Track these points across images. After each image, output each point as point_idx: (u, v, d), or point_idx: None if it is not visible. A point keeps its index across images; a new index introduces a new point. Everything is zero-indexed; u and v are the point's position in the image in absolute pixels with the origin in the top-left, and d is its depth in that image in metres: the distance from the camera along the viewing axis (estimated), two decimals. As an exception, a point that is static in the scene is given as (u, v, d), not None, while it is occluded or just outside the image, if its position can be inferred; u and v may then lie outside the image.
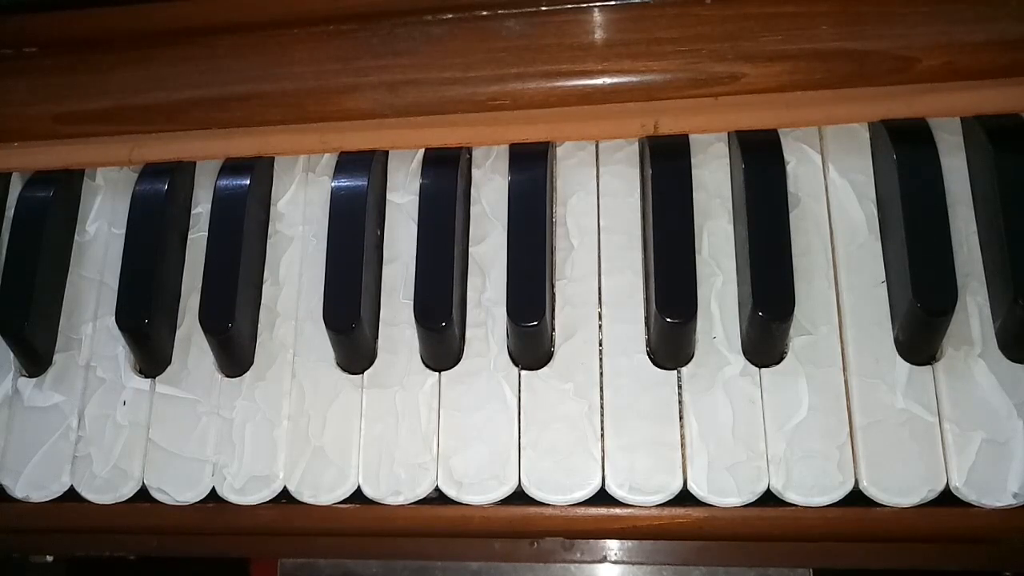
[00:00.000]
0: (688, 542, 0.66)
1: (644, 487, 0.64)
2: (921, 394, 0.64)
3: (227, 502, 0.69)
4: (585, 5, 0.71)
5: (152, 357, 0.72)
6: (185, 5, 0.75)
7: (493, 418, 0.67)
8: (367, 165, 0.73)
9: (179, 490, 0.69)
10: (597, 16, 0.71)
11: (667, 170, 0.69)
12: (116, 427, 0.71)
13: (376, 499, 0.67)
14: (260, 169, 0.76)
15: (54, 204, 0.77)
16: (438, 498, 0.67)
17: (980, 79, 0.68)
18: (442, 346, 0.69)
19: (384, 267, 0.72)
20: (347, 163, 0.74)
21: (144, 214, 0.75)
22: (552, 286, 0.69)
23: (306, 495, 0.68)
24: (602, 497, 0.65)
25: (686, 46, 0.70)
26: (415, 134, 0.74)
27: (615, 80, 0.71)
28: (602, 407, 0.66)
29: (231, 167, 0.76)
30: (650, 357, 0.67)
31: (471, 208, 0.73)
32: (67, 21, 0.77)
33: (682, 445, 0.65)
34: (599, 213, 0.71)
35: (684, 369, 0.66)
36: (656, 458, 0.65)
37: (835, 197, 0.69)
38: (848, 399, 0.64)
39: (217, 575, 0.88)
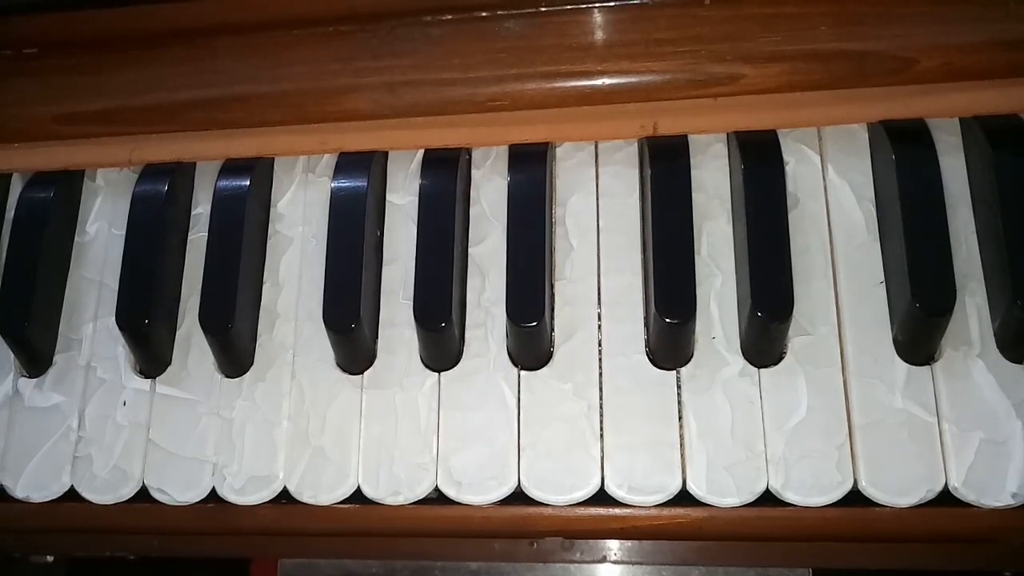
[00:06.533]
0: (687, 542, 0.66)
1: (643, 487, 0.64)
2: (920, 394, 0.64)
3: (227, 502, 0.69)
4: (584, 6, 0.71)
5: (152, 357, 0.72)
6: (185, 6, 0.75)
7: (492, 418, 0.67)
8: (367, 166, 0.73)
9: (179, 490, 0.69)
10: (596, 17, 0.71)
11: (666, 170, 0.69)
12: (116, 427, 0.71)
13: (376, 499, 0.67)
14: (260, 170, 0.76)
15: (54, 205, 0.77)
16: (438, 498, 0.67)
17: (978, 80, 0.68)
18: (442, 346, 0.69)
19: (384, 268, 0.72)
20: (347, 164, 0.74)
21: (144, 215, 0.75)
22: (551, 286, 0.70)
23: (306, 495, 0.68)
24: (601, 497, 0.65)
25: (685, 47, 0.70)
26: (415, 135, 0.74)
27: (614, 81, 0.71)
28: (601, 407, 0.66)
29: (231, 168, 0.76)
30: (649, 357, 0.67)
31: (471, 209, 0.73)
32: (67, 22, 0.77)
33: (681, 445, 0.65)
34: (598, 213, 0.71)
35: (683, 369, 0.66)
36: (655, 458, 0.65)
37: (834, 197, 0.69)
38: (847, 399, 0.64)
39: (217, 575, 0.88)
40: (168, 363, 0.73)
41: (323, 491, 0.68)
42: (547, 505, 0.66)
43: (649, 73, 0.71)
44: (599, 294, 0.69)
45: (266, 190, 0.76)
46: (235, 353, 0.71)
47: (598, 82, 0.71)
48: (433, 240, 0.70)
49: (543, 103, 0.72)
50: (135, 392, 0.72)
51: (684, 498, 0.64)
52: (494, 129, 0.73)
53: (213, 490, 0.69)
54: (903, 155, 0.66)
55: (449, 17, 0.73)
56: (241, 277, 0.71)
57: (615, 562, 0.67)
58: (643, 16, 0.70)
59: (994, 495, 0.61)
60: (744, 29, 0.69)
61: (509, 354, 0.69)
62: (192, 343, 0.73)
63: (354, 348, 0.69)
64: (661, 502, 0.64)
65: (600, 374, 0.67)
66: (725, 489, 0.64)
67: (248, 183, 0.74)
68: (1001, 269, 0.63)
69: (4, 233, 0.78)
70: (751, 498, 0.63)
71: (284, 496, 0.69)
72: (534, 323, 0.65)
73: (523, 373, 0.68)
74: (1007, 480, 0.61)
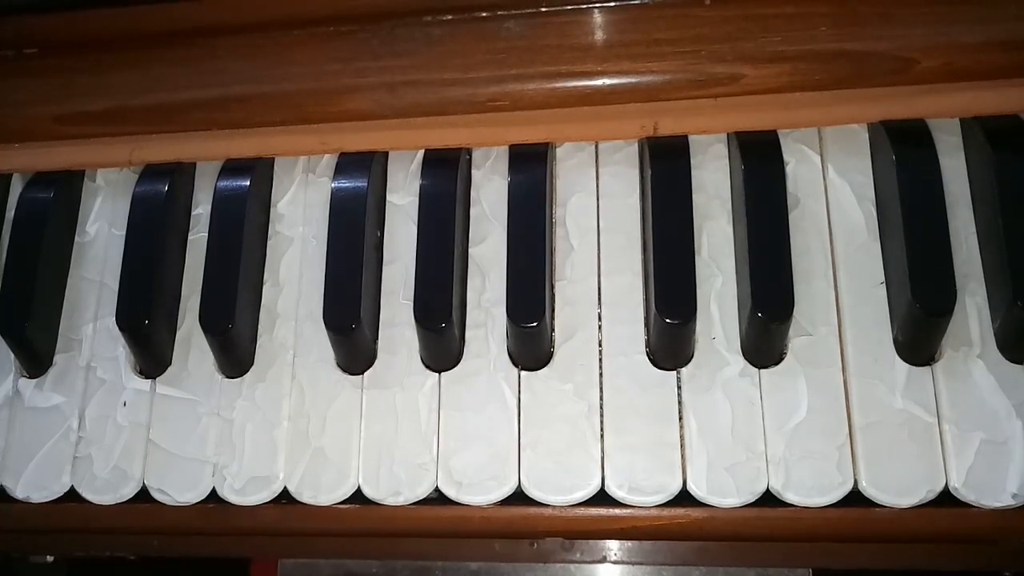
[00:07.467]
0: (688, 542, 0.66)
1: (644, 487, 0.64)
2: (920, 394, 0.64)
3: (227, 502, 0.69)
4: (585, 6, 0.71)
5: (152, 358, 0.72)
6: (185, 6, 0.75)
7: (493, 418, 0.67)
8: (367, 166, 0.73)
9: (179, 491, 0.69)
10: (597, 17, 0.71)
11: (667, 171, 0.69)
12: (116, 428, 0.71)
13: (376, 499, 0.67)
14: (260, 170, 0.76)
15: (55, 205, 0.77)
16: (438, 498, 0.67)
17: (979, 80, 0.68)
18: (442, 347, 0.69)
19: (384, 268, 0.72)
20: (347, 164, 0.74)
21: (144, 215, 0.75)
22: (552, 287, 0.70)
23: (306, 495, 0.68)
24: (602, 497, 0.65)
25: (686, 47, 0.70)
26: (415, 135, 0.74)
27: (615, 81, 0.71)
28: (601, 407, 0.66)
29: (231, 168, 0.76)
30: (649, 358, 0.67)
31: (471, 209, 0.73)
32: (67, 22, 0.77)
33: (681, 445, 0.65)
34: (599, 214, 0.71)
35: (683, 370, 0.66)
36: (655, 458, 0.65)
37: (834, 198, 0.69)
38: (847, 400, 0.64)
39: (217, 575, 0.88)
40: (168, 363, 0.73)
41: (323, 491, 0.68)
42: (547, 505, 0.66)
43: (649, 73, 0.71)
44: (599, 294, 0.69)
45: (266, 190, 0.76)
46: (235, 353, 0.71)
47: (598, 82, 0.71)
48: (433, 240, 0.70)
49: (543, 103, 0.72)
50: (135, 392, 0.72)
51: (684, 498, 0.64)
52: (494, 129, 0.73)
53: (213, 490, 0.69)
54: (903, 155, 0.66)
55: (449, 17, 0.73)
56: (241, 277, 0.71)
57: (615, 562, 0.67)
58: (643, 16, 0.70)
59: (994, 495, 0.61)
60: (744, 29, 0.69)
61: (509, 354, 0.69)
62: (192, 343, 0.73)
63: (354, 348, 0.69)
64: (661, 502, 0.64)
65: (600, 374, 0.67)
66: (725, 489, 0.64)
67: (248, 183, 0.74)
68: (1001, 269, 0.63)
69: (4, 233, 0.78)
70: (751, 498, 0.63)
71: (284, 496, 0.69)
72: (534, 323, 0.65)
73: (523, 373, 0.68)
74: (1007, 480, 0.61)
